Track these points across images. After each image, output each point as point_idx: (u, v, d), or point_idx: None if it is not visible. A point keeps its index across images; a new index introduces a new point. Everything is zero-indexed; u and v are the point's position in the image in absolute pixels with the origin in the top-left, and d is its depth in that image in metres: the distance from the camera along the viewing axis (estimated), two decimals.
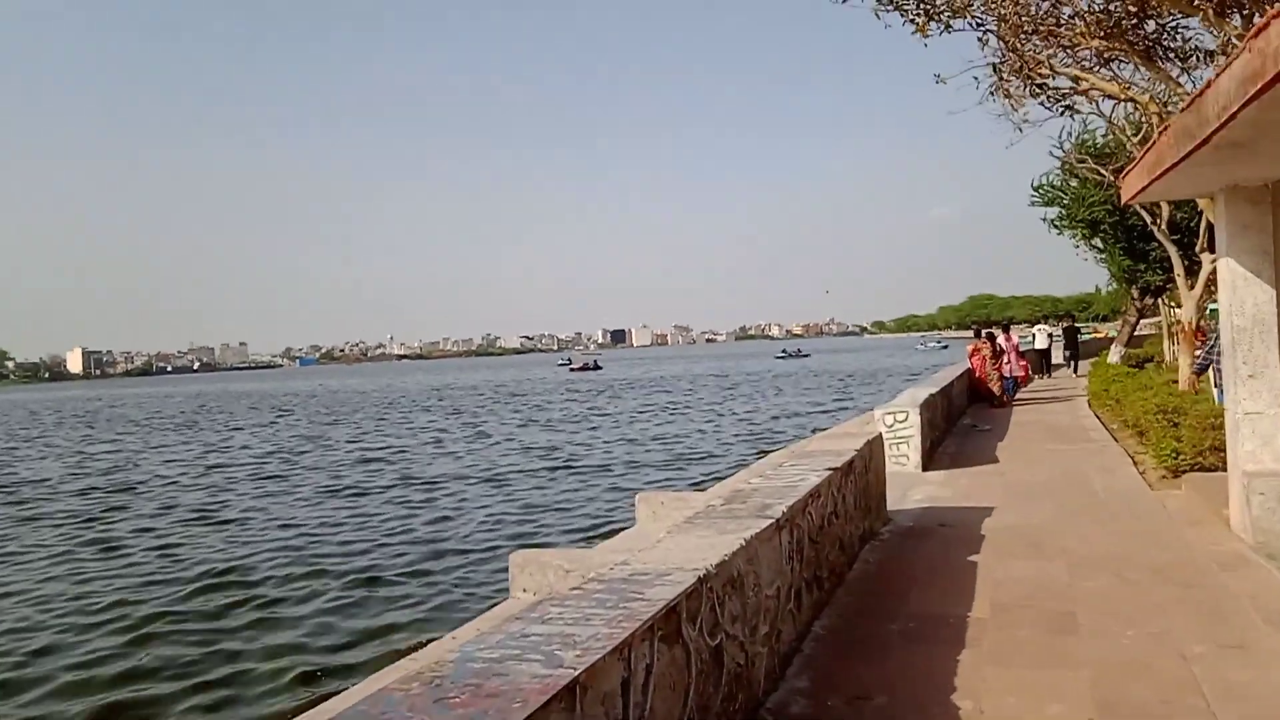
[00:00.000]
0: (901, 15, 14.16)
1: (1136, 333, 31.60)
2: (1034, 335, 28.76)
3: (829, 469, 6.38)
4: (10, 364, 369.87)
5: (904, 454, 11.46)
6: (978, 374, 20.64)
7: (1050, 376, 27.56)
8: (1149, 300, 28.06)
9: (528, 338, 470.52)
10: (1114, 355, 27.10)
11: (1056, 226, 27.47)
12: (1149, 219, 21.25)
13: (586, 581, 3.61)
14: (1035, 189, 26.94)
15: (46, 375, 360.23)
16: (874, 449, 8.20)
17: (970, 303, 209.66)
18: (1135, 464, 11.51)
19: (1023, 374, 22.12)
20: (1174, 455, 10.29)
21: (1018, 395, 21.62)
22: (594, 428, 35.59)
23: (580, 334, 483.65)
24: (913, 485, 10.63)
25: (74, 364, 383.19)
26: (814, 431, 27.16)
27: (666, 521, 11.54)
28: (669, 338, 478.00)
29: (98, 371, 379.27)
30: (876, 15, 14.02)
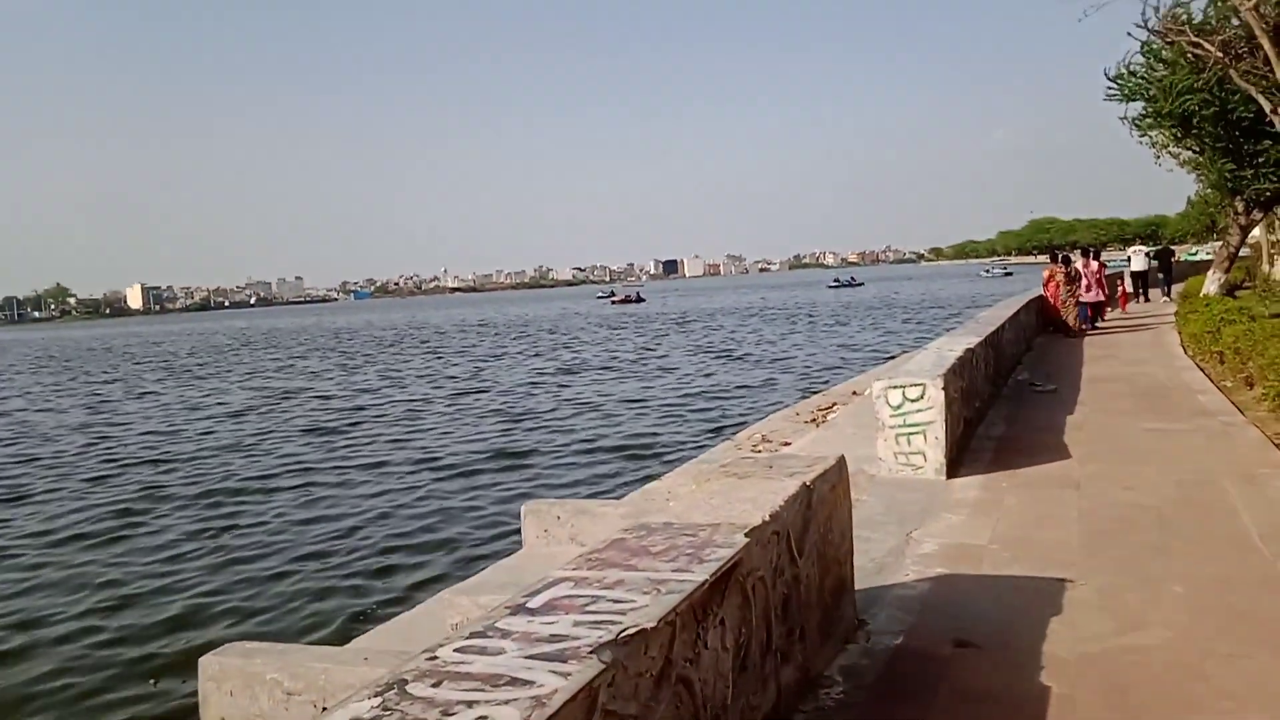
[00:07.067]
0: None
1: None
2: (1129, 257, 26.12)
3: (620, 637, 2.32)
4: (72, 300, 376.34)
5: (916, 452, 7.23)
6: (1052, 300, 19.39)
7: (1147, 300, 26.59)
8: (1255, 215, 22.96)
9: (579, 269, 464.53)
10: (1210, 285, 22.12)
11: (1138, 126, 22.57)
12: (1268, 106, 16.52)
13: None
14: (1112, 80, 21.92)
15: (107, 311, 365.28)
16: (823, 499, 4.09)
17: (1031, 227, 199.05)
18: None
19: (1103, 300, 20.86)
20: None
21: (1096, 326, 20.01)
22: (607, 377, 31.41)
23: (632, 265, 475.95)
24: (926, 513, 6.47)
25: (134, 300, 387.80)
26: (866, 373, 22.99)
27: (562, 544, 7.76)
28: (721, 268, 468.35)
29: (157, 307, 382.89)
30: None
